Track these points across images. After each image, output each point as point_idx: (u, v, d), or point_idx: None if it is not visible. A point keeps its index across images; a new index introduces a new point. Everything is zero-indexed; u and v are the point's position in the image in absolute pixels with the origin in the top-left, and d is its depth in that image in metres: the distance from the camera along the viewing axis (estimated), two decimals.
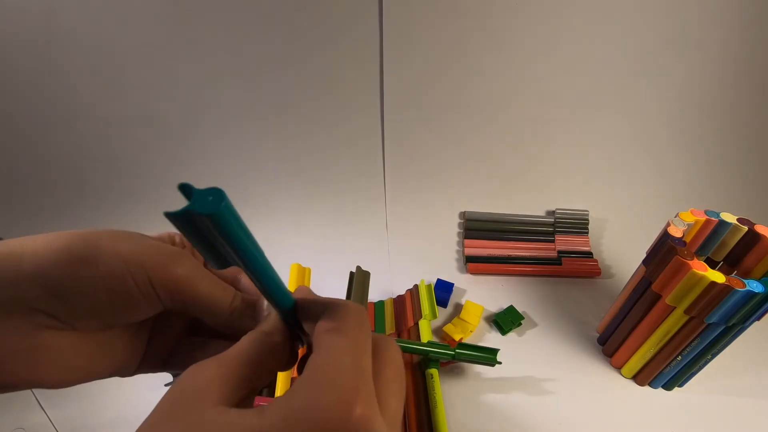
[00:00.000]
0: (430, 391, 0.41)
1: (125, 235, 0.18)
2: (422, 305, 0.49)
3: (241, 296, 0.21)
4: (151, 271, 0.18)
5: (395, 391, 0.16)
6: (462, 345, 0.43)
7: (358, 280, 0.48)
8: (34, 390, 0.42)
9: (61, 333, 0.17)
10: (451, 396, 0.43)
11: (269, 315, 0.19)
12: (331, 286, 0.52)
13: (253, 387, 0.16)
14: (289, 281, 0.47)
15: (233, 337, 0.18)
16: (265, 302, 0.20)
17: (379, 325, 0.49)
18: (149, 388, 0.43)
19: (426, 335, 0.46)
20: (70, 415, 0.42)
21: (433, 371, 0.43)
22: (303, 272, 0.48)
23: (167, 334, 0.22)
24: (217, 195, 0.12)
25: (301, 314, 0.18)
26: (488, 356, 0.42)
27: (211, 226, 0.12)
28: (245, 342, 0.17)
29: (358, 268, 0.49)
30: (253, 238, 0.14)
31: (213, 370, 0.15)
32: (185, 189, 0.13)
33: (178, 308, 0.19)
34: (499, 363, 0.42)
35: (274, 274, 0.16)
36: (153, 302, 0.18)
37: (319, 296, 0.19)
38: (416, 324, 0.48)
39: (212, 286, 0.19)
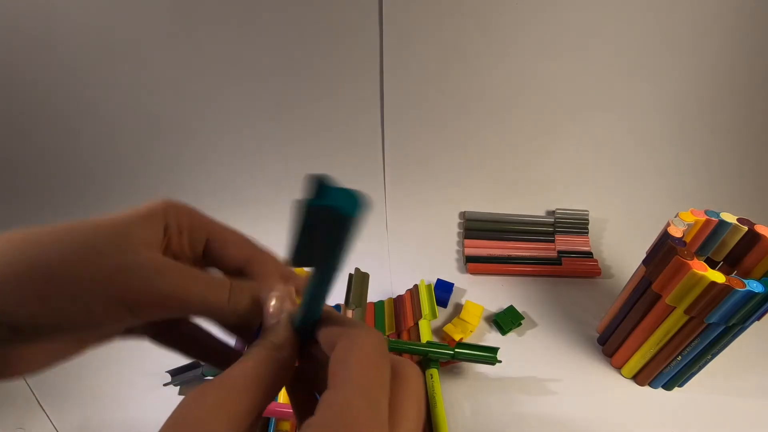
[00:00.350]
0: (430, 391, 0.41)
1: (86, 254, 0.15)
2: (422, 305, 0.49)
3: (240, 287, 0.18)
4: (128, 296, 0.15)
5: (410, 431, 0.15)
6: (461, 344, 0.43)
7: (357, 281, 0.48)
8: (34, 390, 0.43)
9: (28, 343, 0.16)
10: (451, 396, 0.43)
11: (279, 323, 0.17)
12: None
13: (260, 411, 0.15)
14: None
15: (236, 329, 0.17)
16: (272, 302, 0.18)
17: (379, 325, 0.49)
18: (150, 388, 0.43)
19: (426, 335, 0.46)
20: (71, 416, 0.42)
21: (433, 371, 0.43)
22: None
23: None
24: (357, 198, 0.12)
25: (320, 330, 0.17)
26: (488, 355, 0.42)
27: (338, 226, 0.12)
28: (252, 360, 0.15)
29: (357, 269, 0.49)
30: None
31: (217, 399, 0.14)
32: (318, 182, 0.11)
33: (171, 317, 0.17)
34: (500, 362, 0.42)
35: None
36: (134, 322, 0.16)
37: (339, 314, 0.17)
38: (416, 324, 0.48)
39: (204, 290, 0.17)
